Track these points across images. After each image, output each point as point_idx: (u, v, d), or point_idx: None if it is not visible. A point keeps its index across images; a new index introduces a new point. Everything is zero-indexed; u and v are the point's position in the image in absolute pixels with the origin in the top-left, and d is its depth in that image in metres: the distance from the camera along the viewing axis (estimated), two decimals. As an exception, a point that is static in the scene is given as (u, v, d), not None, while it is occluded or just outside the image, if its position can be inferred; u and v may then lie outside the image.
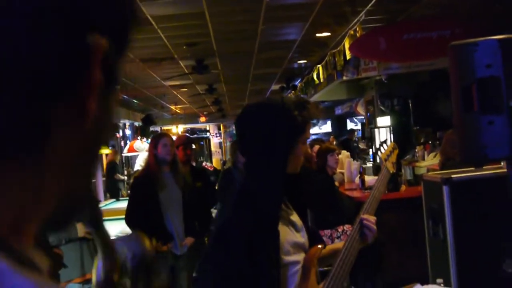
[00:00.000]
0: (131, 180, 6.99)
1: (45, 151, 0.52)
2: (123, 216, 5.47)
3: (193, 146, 6.31)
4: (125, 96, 13.93)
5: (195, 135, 27.27)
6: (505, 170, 2.99)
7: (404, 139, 12.44)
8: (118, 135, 16.06)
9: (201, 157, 26.65)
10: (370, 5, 7.07)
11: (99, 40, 0.52)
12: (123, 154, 16.99)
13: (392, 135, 12.80)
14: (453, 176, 4.18)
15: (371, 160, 12.59)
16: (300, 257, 2.20)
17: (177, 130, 25.37)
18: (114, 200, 11.08)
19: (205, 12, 6.90)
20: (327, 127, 23.33)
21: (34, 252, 0.56)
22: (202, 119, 26.18)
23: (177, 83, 13.54)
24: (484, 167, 4.10)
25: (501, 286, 3.77)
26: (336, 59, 9.59)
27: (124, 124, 19.28)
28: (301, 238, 2.25)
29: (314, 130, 19.78)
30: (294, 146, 2.15)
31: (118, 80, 0.60)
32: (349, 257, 2.25)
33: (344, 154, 9.34)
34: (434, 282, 2.49)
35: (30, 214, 0.54)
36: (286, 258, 2.12)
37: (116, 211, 8.31)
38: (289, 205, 2.26)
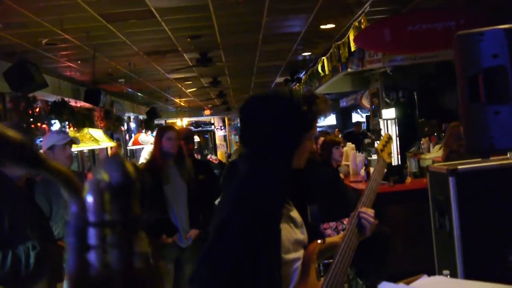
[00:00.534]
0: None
1: None
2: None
3: (197, 139, 6.30)
4: (130, 89, 13.93)
5: (200, 128, 27.26)
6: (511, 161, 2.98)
7: (409, 131, 12.43)
8: (122, 128, 16.06)
9: (206, 150, 26.67)
10: (374, -4, 7.04)
11: None
12: (127, 147, 17.01)
13: (397, 127, 12.78)
14: (459, 167, 4.16)
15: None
16: (300, 253, 2.16)
17: (181, 123, 25.38)
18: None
19: (209, 5, 6.87)
20: (331, 120, 23.30)
21: None
22: (207, 112, 26.17)
23: (182, 76, 13.53)
24: (490, 157, 4.07)
25: (508, 277, 3.75)
26: (340, 51, 9.56)
27: (129, 117, 19.28)
28: (301, 234, 2.20)
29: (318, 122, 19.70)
30: (301, 142, 2.09)
31: None
32: (348, 251, 2.21)
33: (349, 147, 9.32)
34: (441, 274, 2.47)
35: None
36: (287, 256, 2.07)
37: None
38: (289, 201, 2.21)
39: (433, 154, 10.38)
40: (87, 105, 11.31)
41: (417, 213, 6.40)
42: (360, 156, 8.79)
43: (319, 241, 2.26)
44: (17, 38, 7.74)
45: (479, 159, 4.21)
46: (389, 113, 13.02)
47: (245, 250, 1.93)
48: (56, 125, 10.54)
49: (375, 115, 14.40)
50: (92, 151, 14.72)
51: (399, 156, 12.38)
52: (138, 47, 9.33)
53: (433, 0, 7.70)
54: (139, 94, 16.39)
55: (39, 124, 9.31)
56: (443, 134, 11.02)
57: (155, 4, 6.66)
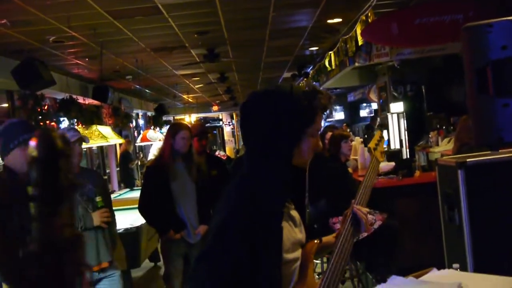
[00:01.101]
0: (144, 169, 7.01)
1: None
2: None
3: (208, 136, 6.29)
4: (137, 86, 13.94)
5: (208, 124, 27.28)
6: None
7: (417, 125, 12.39)
8: (131, 125, 16.09)
9: (215, 146, 26.69)
10: (381, -11, 7.02)
11: None
12: (136, 144, 17.04)
13: (405, 121, 12.74)
14: (468, 160, 4.13)
15: (385, 146, 12.53)
16: (298, 253, 2.15)
17: (190, 119, 25.40)
18: (128, 189, 11.14)
19: (215, 0, 6.87)
20: (339, 115, 23.23)
21: None
22: (215, 108, 26.18)
23: (189, 72, 13.53)
24: (499, 150, 4.05)
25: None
26: (348, 45, 9.53)
27: (137, 114, 19.31)
28: (299, 233, 2.19)
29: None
30: (301, 137, 2.05)
31: None
32: (344, 250, 2.17)
33: (358, 141, 9.31)
34: (450, 267, 2.46)
35: None
36: (286, 256, 2.05)
37: (130, 201, 8.37)
38: (289, 199, 2.18)
39: (441, 148, 10.35)
40: (95, 102, 11.34)
41: (426, 207, 6.38)
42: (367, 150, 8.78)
43: (315, 240, 2.24)
44: (24, 36, 7.76)
45: (489, 152, 4.18)
46: (397, 107, 12.97)
47: (245, 249, 1.92)
48: (65, 123, 10.56)
49: (383, 109, 14.36)
50: (101, 148, 14.77)
51: (407, 150, 12.35)
52: (145, 44, 9.33)
53: (440, -8, 7.67)
54: (147, 90, 16.41)
55: (47, 121, 9.34)
56: (452, 127, 10.99)
57: (162, 0, 6.66)
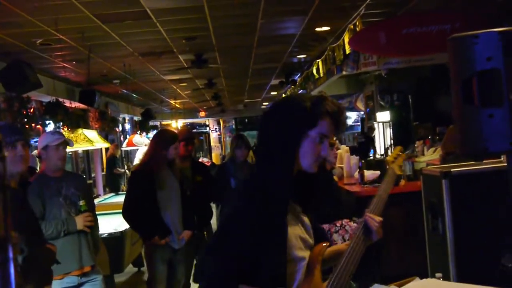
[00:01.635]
0: (129, 174, 7.00)
1: None
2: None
3: (194, 141, 6.29)
4: (124, 90, 13.91)
5: (195, 130, 27.26)
6: (505, 164, 2.98)
7: (403, 134, 12.44)
8: (117, 129, 16.04)
9: (201, 152, 26.67)
10: (370, -1, 7.05)
11: None
12: (122, 148, 16.98)
13: (391, 130, 12.80)
14: (452, 170, 4.16)
15: (371, 155, 12.57)
16: (306, 254, 2.18)
17: (176, 124, 25.36)
18: (113, 194, 11.09)
19: (204, 6, 6.87)
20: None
21: None
22: (202, 114, 26.16)
23: (177, 77, 13.52)
24: (484, 161, 4.08)
25: (501, 281, 3.75)
26: (335, 53, 9.57)
27: (124, 119, 19.25)
28: (308, 235, 2.24)
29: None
30: (301, 138, 2.09)
31: None
32: (354, 256, 2.22)
33: (344, 149, 9.33)
34: (433, 277, 2.47)
35: None
36: (293, 253, 2.10)
37: (115, 205, 8.33)
38: (299, 206, 2.24)
39: (427, 157, 10.37)
40: (81, 106, 11.29)
41: (410, 216, 6.40)
42: (354, 159, 8.79)
43: (324, 243, 2.27)
44: (11, 38, 7.72)
45: (473, 162, 4.21)
46: (383, 116, 13.04)
47: (249, 242, 2.00)
48: (50, 126, 10.50)
49: (369, 118, 14.42)
50: (86, 152, 14.70)
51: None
52: (133, 48, 9.32)
53: (429, 3, 7.72)
54: (134, 95, 16.37)
55: (33, 124, 9.28)
56: (438, 137, 11.04)
57: (151, 5, 6.65)
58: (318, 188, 2.31)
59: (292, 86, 14.70)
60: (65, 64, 10.16)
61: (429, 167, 5.55)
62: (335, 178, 6.88)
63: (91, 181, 14.34)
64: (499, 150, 2.74)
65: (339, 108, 2.16)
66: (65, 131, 10.20)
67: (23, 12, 6.47)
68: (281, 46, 10.33)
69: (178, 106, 22.18)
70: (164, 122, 25.51)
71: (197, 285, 6.17)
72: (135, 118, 19.99)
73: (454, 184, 4.11)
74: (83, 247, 4.39)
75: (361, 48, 8.62)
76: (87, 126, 11.79)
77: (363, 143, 14.06)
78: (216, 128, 28.52)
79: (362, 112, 16.34)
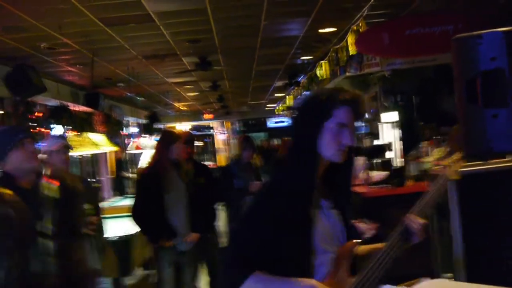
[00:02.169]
0: (136, 176, 7.01)
1: None
2: (130, 214, 5.47)
3: (196, 143, 6.31)
4: (129, 94, 13.92)
5: (200, 132, 27.23)
6: (511, 163, 2.98)
7: (408, 135, 12.40)
8: (123, 132, 16.05)
9: (205, 155, 26.63)
10: (373, 0, 7.04)
11: None
12: (127, 152, 16.99)
13: (396, 131, 12.77)
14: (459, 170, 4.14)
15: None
16: (333, 249, 2.20)
17: (181, 127, 25.34)
18: (120, 197, 11.10)
19: (207, 8, 6.88)
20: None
21: None
22: (206, 116, 26.14)
23: (181, 80, 13.52)
24: (489, 160, 4.07)
25: (510, 282, 3.75)
26: (339, 55, 9.55)
27: (128, 122, 19.26)
28: (339, 235, 2.25)
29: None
30: (319, 130, 2.15)
31: None
32: (387, 257, 2.20)
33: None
34: (442, 277, 2.47)
35: None
36: (319, 246, 2.14)
37: (123, 208, 8.34)
38: (329, 201, 2.26)
39: (433, 158, 10.36)
40: (86, 109, 11.31)
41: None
42: (360, 160, 8.78)
43: (355, 240, 2.28)
44: (16, 43, 7.74)
45: (481, 162, 4.20)
46: (388, 116, 12.99)
47: (271, 231, 2.06)
48: (56, 130, 10.52)
49: (374, 119, 14.37)
50: (92, 156, 14.70)
51: (397, 160, 12.36)
52: (137, 51, 9.33)
53: (431, 4, 7.71)
54: (139, 98, 16.39)
55: (38, 128, 9.30)
56: (441, 137, 11.01)
57: (154, 8, 6.66)
58: (346, 181, 2.32)
59: (296, 88, 14.67)
60: (69, 68, 10.17)
61: (436, 167, 5.54)
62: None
63: (98, 185, 14.34)
64: (503, 150, 2.75)
65: (353, 95, 2.22)
66: (71, 135, 10.22)
67: (27, 17, 6.49)
68: (285, 47, 10.33)
69: (182, 108, 22.18)
70: (169, 125, 25.50)
71: (205, 286, 6.17)
72: (140, 121, 19.99)
73: (461, 184, 4.10)
74: (89, 250, 4.40)
75: (365, 49, 8.61)
76: (92, 130, 11.81)
77: (377, 149, 13.92)
78: (221, 131, 28.46)
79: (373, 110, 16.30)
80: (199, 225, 5.49)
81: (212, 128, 28.73)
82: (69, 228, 3.15)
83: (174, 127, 24.05)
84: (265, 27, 8.28)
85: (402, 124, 12.52)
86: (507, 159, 4.20)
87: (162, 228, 5.24)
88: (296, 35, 9.15)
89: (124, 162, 16.01)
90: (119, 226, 7.12)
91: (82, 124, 11.24)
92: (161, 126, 22.14)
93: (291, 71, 13.65)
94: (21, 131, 3.41)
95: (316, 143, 2.15)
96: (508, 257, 3.92)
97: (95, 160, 15.17)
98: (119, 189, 14.14)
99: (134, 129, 19.87)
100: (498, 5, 7.25)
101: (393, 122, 12.85)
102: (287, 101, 18.72)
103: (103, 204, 7.67)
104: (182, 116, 25.19)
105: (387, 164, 9.40)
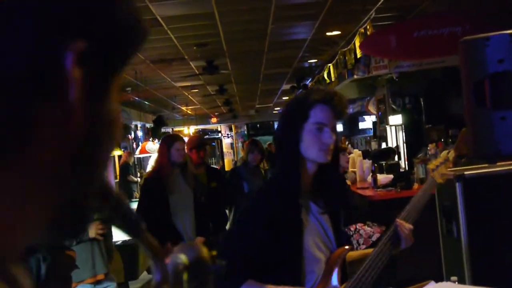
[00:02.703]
0: (142, 181, 7.02)
1: (26, 154, 0.48)
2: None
3: (206, 147, 6.31)
4: (136, 98, 13.96)
5: (207, 136, 27.27)
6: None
7: (416, 137, 12.38)
8: (130, 136, 16.09)
9: (213, 158, 26.67)
10: (380, 3, 7.04)
11: (75, 41, 0.51)
12: (135, 156, 17.03)
13: (404, 133, 12.75)
14: (466, 172, 4.13)
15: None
16: (323, 255, 2.19)
17: (188, 131, 25.39)
18: (128, 202, 11.13)
19: (214, 12, 6.89)
20: (338, 127, 23.15)
21: (17, 269, 0.52)
22: (214, 120, 26.17)
23: (188, 84, 13.55)
24: (497, 163, 4.05)
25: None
26: (346, 57, 9.56)
27: (136, 126, 19.31)
28: (329, 240, 2.24)
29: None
30: (298, 132, 2.14)
31: (113, 80, 0.57)
32: (377, 261, 2.19)
33: (356, 153, 9.31)
34: (448, 280, 2.45)
35: (14, 226, 0.49)
36: (309, 252, 2.13)
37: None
38: (320, 206, 2.24)
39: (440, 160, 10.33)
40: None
41: (424, 219, 6.35)
42: (367, 163, 8.77)
43: (346, 246, 2.27)
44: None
45: (487, 164, 4.18)
46: (395, 119, 12.99)
47: (263, 233, 2.08)
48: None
49: (381, 121, 14.37)
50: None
51: (406, 163, 12.34)
52: (145, 56, 9.35)
53: (438, 5, 7.70)
54: (146, 102, 16.43)
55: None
56: (450, 140, 10.99)
57: (161, 12, 6.68)
58: (335, 183, 2.31)
59: (304, 91, 14.69)
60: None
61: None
62: (348, 182, 6.87)
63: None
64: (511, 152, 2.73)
65: (327, 92, 2.19)
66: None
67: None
68: (292, 51, 10.34)
69: (189, 112, 22.23)
70: (176, 129, 25.55)
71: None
72: (147, 125, 20.04)
73: (467, 187, 4.08)
74: (96, 255, 4.40)
75: (372, 52, 8.61)
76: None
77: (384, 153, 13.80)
78: (228, 134, 28.50)
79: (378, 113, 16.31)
80: (206, 229, 5.48)
81: (220, 132, 28.77)
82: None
83: (181, 131, 24.12)
84: (272, 31, 8.29)
85: (407, 127, 12.50)
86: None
87: (167, 232, 5.23)
88: (303, 38, 9.16)
89: (132, 166, 16.04)
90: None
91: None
92: (168, 130, 22.22)
93: (298, 74, 13.67)
94: None
95: (298, 145, 2.14)
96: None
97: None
98: (126, 193, 14.17)
99: (141, 133, 19.93)
100: (506, 5, 7.23)
101: (397, 125, 12.84)
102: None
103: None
104: (189, 120, 25.24)
105: (394, 167, 9.36)
